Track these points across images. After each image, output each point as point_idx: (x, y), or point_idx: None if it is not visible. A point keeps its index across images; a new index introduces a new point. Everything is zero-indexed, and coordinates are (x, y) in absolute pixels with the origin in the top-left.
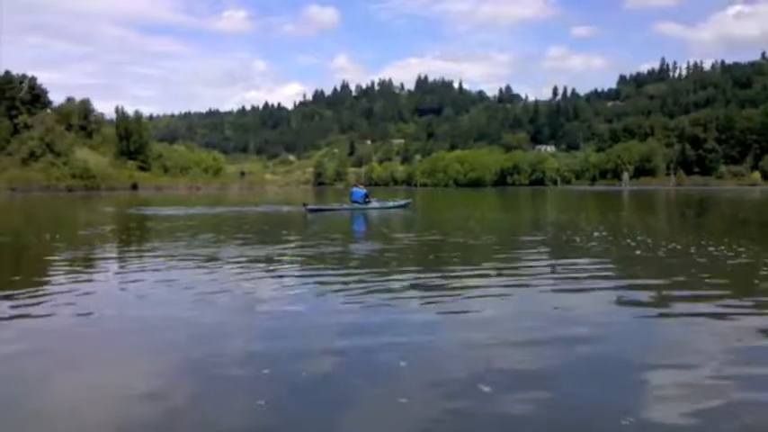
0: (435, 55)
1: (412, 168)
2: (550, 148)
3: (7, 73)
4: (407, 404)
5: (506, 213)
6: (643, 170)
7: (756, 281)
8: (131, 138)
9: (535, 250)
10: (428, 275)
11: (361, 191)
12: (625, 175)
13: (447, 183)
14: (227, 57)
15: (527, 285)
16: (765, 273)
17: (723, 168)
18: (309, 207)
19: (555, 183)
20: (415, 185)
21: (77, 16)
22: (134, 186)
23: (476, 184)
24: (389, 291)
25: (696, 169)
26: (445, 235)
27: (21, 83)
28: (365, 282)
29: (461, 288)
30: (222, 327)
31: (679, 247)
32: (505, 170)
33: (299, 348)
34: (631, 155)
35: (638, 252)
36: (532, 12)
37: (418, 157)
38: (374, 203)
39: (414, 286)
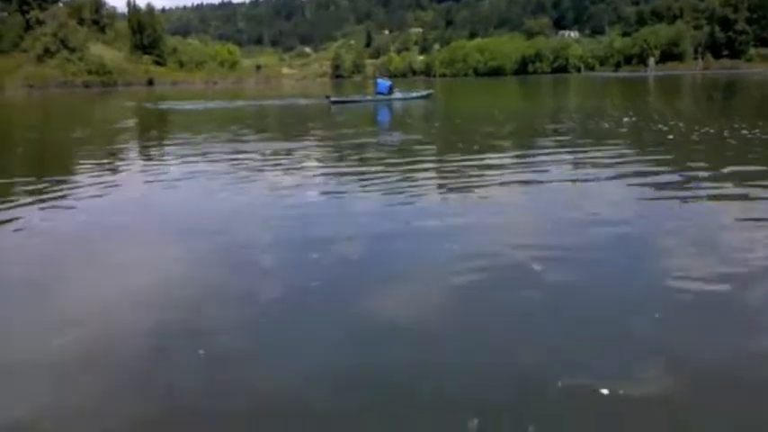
0: None
1: (431, 58)
2: (574, 34)
3: None
4: (444, 277)
5: (530, 102)
6: (670, 55)
7: None
8: (145, 32)
9: (565, 138)
10: (453, 164)
11: (386, 82)
12: (651, 60)
13: (467, 72)
14: None
15: (562, 176)
16: None
17: (753, 51)
18: (333, 99)
19: (578, 70)
20: (434, 76)
21: None
22: (150, 82)
23: (496, 72)
24: (415, 180)
25: (725, 52)
26: (469, 125)
27: None
28: (389, 172)
29: (493, 177)
30: (252, 216)
31: (712, 130)
32: (527, 58)
33: (329, 235)
34: (658, 39)
35: (670, 137)
36: None
37: (437, 46)
38: (397, 94)
39: (441, 175)
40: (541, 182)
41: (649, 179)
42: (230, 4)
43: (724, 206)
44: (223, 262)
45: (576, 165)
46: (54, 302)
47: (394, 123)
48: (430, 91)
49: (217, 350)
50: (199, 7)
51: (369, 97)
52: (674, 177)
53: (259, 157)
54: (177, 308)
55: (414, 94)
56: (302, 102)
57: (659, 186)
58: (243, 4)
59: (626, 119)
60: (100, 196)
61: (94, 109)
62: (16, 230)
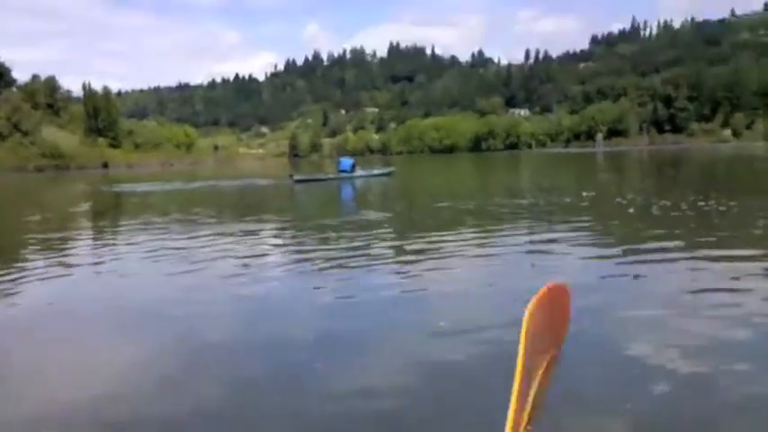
0: (407, 21)
1: (387, 137)
2: (524, 112)
3: None
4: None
5: (489, 177)
6: (616, 131)
7: (753, 230)
8: (100, 115)
9: (530, 213)
10: (417, 240)
11: (348, 160)
12: (599, 137)
13: (422, 150)
14: (196, 29)
15: (526, 248)
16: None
17: (695, 126)
18: (296, 178)
19: (530, 146)
20: (391, 154)
21: None
22: (105, 165)
23: (451, 150)
24: (377, 257)
25: (668, 128)
26: (432, 201)
27: None
28: (351, 249)
29: (459, 251)
30: (206, 301)
31: (669, 203)
32: (480, 135)
33: (278, 330)
34: (604, 116)
35: (630, 210)
36: None
37: (393, 125)
38: (360, 172)
39: (403, 251)
40: (505, 255)
41: (613, 251)
42: (187, 86)
43: (696, 275)
44: (172, 349)
45: (543, 239)
46: None
47: (357, 201)
48: (392, 168)
49: None
50: (156, 90)
51: (332, 175)
52: (640, 247)
53: (217, 239)
54: (117, 400)
55: (376, 172)
56: (261, 182)
57: (622, 256)
58: (200, 86)
59: (585, 193)
60: (46, 279)
61: (47, 193)
62: None
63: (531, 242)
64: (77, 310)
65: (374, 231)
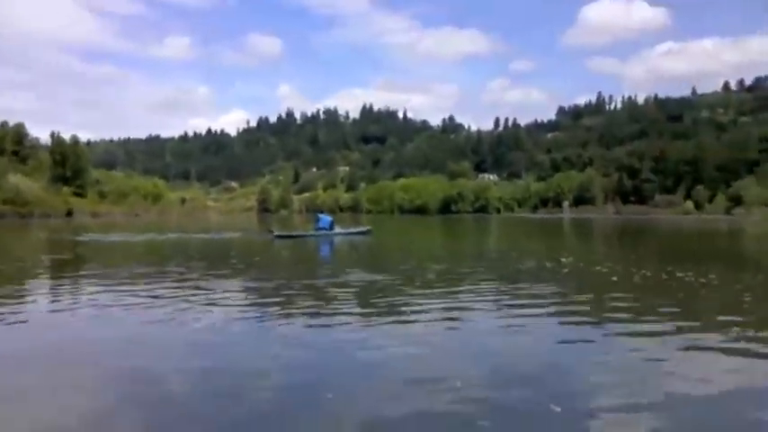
0: (379, 85)
1: (357, 195)
2: (493, 177)
3: None
4: None
5: (462, 240)
6: (582, 199)
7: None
8: (67, 163)
9: (512, 279)
10: (393, 300)
11: (327, 218)
12: (565, 204)
13: (392, 210)
14: (169, 83)
15: (523, 316)
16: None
17: (658, 197)
18: (277, 233)
19: (498, 211)
20: (361, 212)
21: (13, 40)
22: (69, 213)
23: (420, 211)
24: (350, 314)
25: (632, 198)
26: (414, 262)
27: None
28: (323, 306)
29: (435, 311)
30: (171, 351)
31: (649, 273)
32: (450, 198)
33: (237, 381)
34: (571, 184)
35: (614, 278)
36: (474, 46)
37: (363, 184)
38: (338, 230)
39: (376, 310)
40: (485, 320)
41: (590, 319)
42: (158, 138)
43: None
44: (130, 399)
45: (529, 305)
46: None
47: (335, 258)
48: (369, 227)
49: None
50: (126, 141)
51: (312, 232)
52: (624, 317)
53: (183, 291)
54: None
55: (353, 230)
56: (228, 235)
57: (593, 326)
58: (171, 139)
59: (563, 259)
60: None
61: (8, 240)
62: None
63: (509, 306)
64: (29, 359)
65: (345, 289)
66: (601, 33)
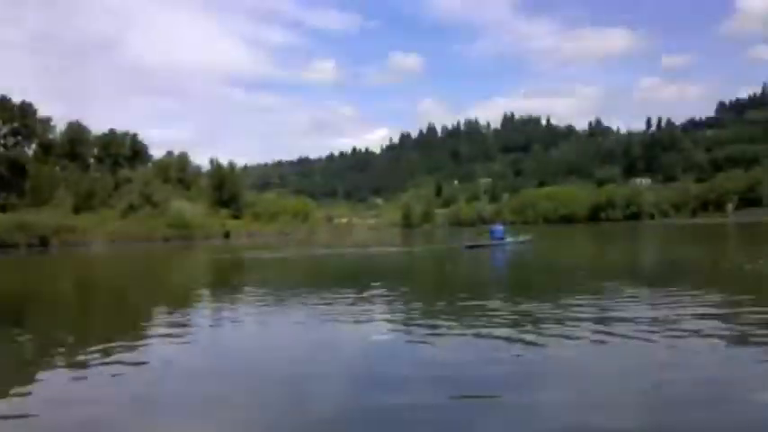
0: (521, 93)
1: (500, 206)
2: (646, 181)
3: (112, 131)
4: None
5: (630, 248)
6: (748, 200)
7: None
8: (225, 187)
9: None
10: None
11: (500, 228)
12: (729, 206)
13: (536, 220)
14: (316, 106)
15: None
16: None
17: None
18: (467, 244)
19: (652, 217)
20: (504, 224)
21: (178, 75)
22: (226, 234)
23: (567, 220)
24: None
25: None
26: (577, 269)
27: (123, 140)
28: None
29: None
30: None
31: None
32: (598, 205)
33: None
34: (735, 184)
35: None
36: (618, 44)
37: (506, 195)
38: (509, 239)
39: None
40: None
41: None
42: (307, 160)
43: None
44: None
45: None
46: None
47: (509, 265)
48: (529, 237)
49: None
50: (279, 164)
51: (494, 242)
52: None
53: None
54: None
55: (520, 239)
56: (373, 249)
57: None
58: (319, 159)
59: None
60: (185, 343)
61: (179, 261)
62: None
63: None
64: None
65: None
66: (761, 21)
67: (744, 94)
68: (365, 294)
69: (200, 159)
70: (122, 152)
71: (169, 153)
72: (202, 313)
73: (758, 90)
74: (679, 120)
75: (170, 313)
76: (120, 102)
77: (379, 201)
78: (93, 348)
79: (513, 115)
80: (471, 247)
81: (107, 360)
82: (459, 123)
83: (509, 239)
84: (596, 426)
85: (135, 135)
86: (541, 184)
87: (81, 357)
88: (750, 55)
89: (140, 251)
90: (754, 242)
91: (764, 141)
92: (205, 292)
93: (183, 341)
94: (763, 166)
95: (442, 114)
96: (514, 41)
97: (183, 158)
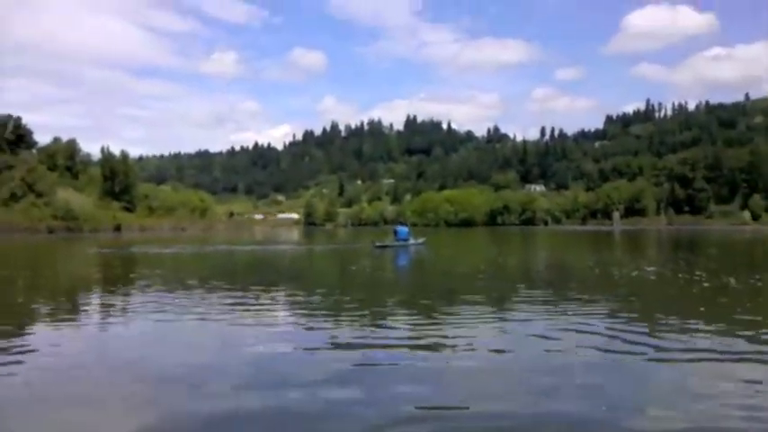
0: (422, 97)
1: (402, 208)
2: (540, 188)
3: None
4: None
5: (522, 251)
6: (633, 210)
7: None
8: (117, 178)
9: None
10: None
11: (405, 229)
12: (616, 215)
13: (437, 222)
14: (216, 98)
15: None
16: None
17: (713, 208)
18: (377, 244)
19: (545, 222)
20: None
21: (65, 58)
22: (117, 228)
23: (467, 223)
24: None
25: (686, 208)
26: (490, 274)
27: (5, 124)
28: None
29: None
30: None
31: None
32: (495, 210)
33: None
34: (621, 194)
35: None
36: (516, 55)
37: (408, 197)
38: (411, 241)
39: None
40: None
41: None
42: (207, 153)
43: None
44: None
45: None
46: None
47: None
48: (424, 239)
49: None
50: (176, 156)
51: (397, 243)
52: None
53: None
54: None
55: (420, 241)
56: (282, 247)
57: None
58: (220, 153)
59: (647, 268)
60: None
61: (59, 254)
62: None
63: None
64: (85, 371)
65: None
66: (646, 40)
67: (629, 108)
68: (257, 294)
69: (91, 148)
70: (4, 136)
71: (56, 139)
72: (86, 310)
73: (642, 105)
74: (570, 130)
75: (55, 308)
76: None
77: (281, 198)
78: None
79: (415, 118)
80: (380, 247)
81: None
82: (362, 123)
83: (411, 241)
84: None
85: (18, 118)
86: (442, 188)
87: None
88: (634, 72)
89: (21, 242)
90: (637, 249)
91: (648, 154)
92: (89, 287)
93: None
94: (646, 178)
95: (344, 113)
96: (416, 47)
97: (72, 145)
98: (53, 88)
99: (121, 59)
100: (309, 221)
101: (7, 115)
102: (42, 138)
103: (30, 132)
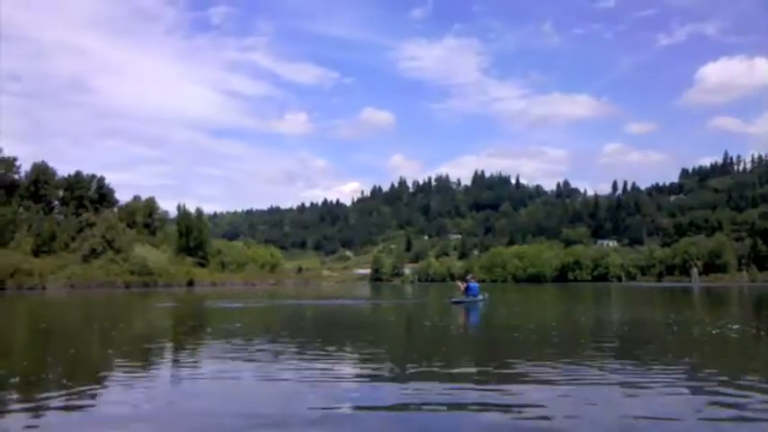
0: (490, 152)
1: (470, 264)
2: (613, 243)
3: (78, 173)
4: None
5: (601, 309)
6: (712, 266)
7: None
8: (191, 234)
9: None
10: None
11: (476, 285)
12: (694, 271)
13: (505, 278)
14: (288, 156)
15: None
16: None
17: None
18: (454, 300)
19: (619, 279)
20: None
21: (151, 121)
22: (190, 283)
23: (535, 279)
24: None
25: None
26: (564, 332)
27: (89, 183)
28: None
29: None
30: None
31: None
32: (566, 265)
33: None
34: (699, 250)
35: None
36: (585, 110)
37: (476, 252)
38: (480, 297)
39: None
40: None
41: None
42: (278, 209)
43: None
44: None
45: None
46: None
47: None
48: (487, 295)
49: None
50: (249, 213)
51: (470, 299)
52: None
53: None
54: None
55: (483, 297)
56: (348, 302)
57: None
58: (290, 209)
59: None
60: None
61: (128, 308)
62: None
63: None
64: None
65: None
66: (721, 92)
67: (706, 162)
68: (330, 349)
69: (169, 205)
70: (88, 195)
71: (136, 198)
72: (154, 362)
73: (719, 158)
74: (644, 184)
75: (116, 362)
76: (87, 144)
77: (349, 253)
78: (49, 394)
79: (483, 173)
80: (457, 302)
81: (61, 405)
82: (429, 179)
83: (480, 297)
84: None
85: (101, 178)
86: (511, 243)
87: (36, 403)
88: (710, 125)
89: (98, 297)
90: (720, 307)
91: (727, 208)
92: (153, 340)
93: (134, 389)
94: (726, 233)
95: (412, 170)
96: (484, 103)
97: (150, 203)
98: (135, 148)
99: (201, 121)
100: (376, 277)
101: (91, 175)
102: (124, 196)
103: (111, 191)
